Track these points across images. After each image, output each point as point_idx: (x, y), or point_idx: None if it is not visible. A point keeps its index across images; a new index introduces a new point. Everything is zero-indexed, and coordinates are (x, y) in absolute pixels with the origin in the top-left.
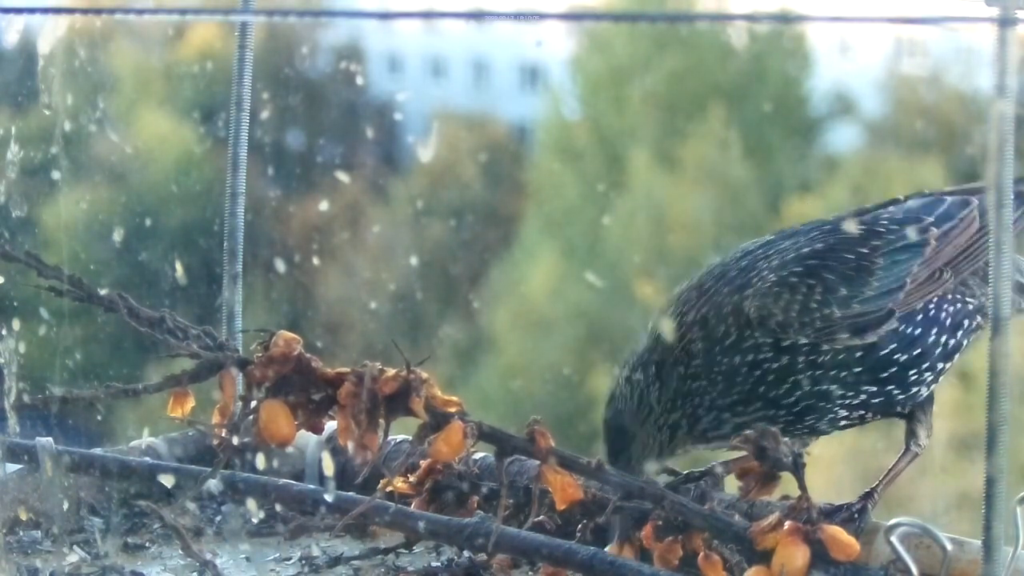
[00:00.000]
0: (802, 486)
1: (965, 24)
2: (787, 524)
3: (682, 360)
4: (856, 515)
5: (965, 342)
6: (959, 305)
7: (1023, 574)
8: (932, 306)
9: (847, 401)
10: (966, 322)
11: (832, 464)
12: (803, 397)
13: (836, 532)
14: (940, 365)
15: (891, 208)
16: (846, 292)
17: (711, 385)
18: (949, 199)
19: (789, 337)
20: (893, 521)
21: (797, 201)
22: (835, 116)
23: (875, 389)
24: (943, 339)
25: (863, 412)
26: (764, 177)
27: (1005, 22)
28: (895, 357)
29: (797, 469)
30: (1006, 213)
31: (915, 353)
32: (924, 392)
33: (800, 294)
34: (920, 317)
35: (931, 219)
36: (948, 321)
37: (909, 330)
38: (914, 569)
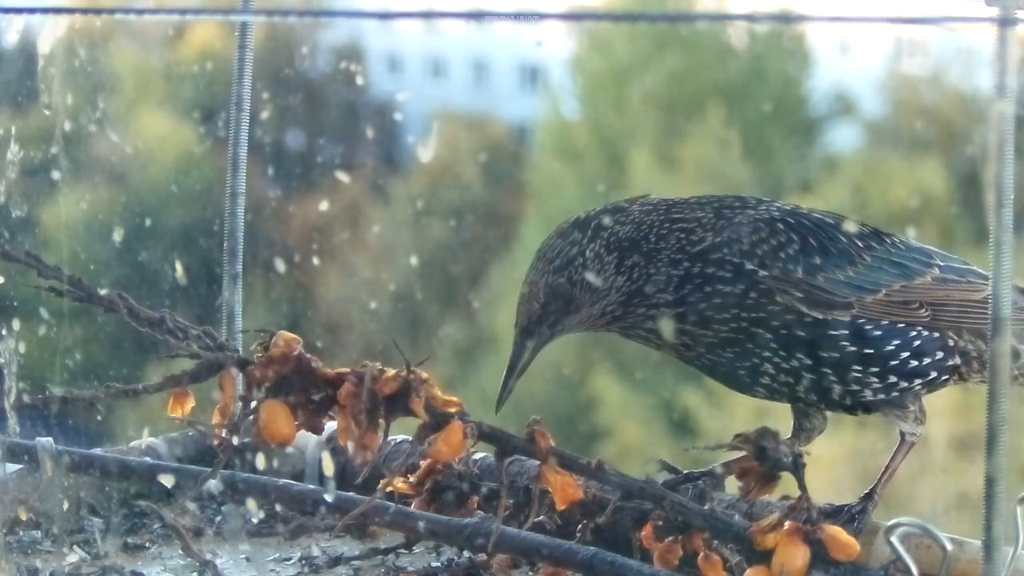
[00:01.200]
0: (802, 486)
1: (965, 24)
2: (787, 524)
3: (652, 253)
4: (856, 516)
5: (933, 373)
6: (936, 335)
7: (1023, 574)
8: (903, 322)
9: (775, 358)
10: (938, 353)
11: (832, 464)
12: (737, 331)
13: (836, 532)
14: (892, 378)
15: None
16: (819, 263)
17: (665, 283)
18: (976, 270)
19: (746, 265)
20: (893, 521)
21: (797, 201)
22: (835, 116)
23: (810, 364)
24: (903, 355)
25: (791, 382)
26: (764, 177)
27: (1005, 22)
28: (842, 344)
29: (797, 469)
30: (1006, 213)
31: (865, 351)
32: (868, 395)
33: (775, 239)
34: (885, 323)
35: (940, 262)
36: (917, 343)
37: (868, 328)
38: (914, 569)
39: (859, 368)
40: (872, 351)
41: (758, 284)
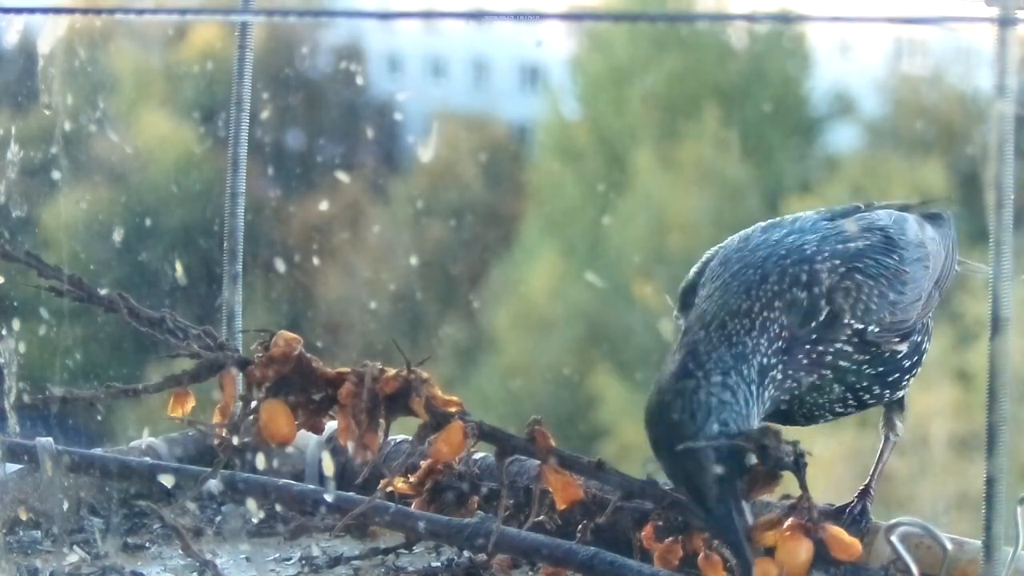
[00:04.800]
0: (803, 485)
1: (965, 24)
2: (790, 520)
3: (760, 341)
4: (859, 516)
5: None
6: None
7: (1023, 574)
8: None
9: (854, 393)
10: (930, 334)
11: (832, 464)
12: (833, 381)
13: (838, 532)
14: (917, 371)
15: (879, 213)
16: (892, 298)
17: (786, 354)
18: (915, 216)
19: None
20: (893, 521)
21: (797, 201)
22: (835, 116)
23: (878, 391)
24: (925, 347)
25: (864, 398)
26: (763, 177)
27: (1005, 22)
28: (902, 362)
29: (799, 469)
30: (1006, 213)
31: (914, 359)
32: (898, 395)
33: (864, 292)
34: (920, 326)
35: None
36: (930, 331)
37: (917, 338)
38: (914, 569)
39: (908, 376)
40: (917, 357)
41: (858, 338)
